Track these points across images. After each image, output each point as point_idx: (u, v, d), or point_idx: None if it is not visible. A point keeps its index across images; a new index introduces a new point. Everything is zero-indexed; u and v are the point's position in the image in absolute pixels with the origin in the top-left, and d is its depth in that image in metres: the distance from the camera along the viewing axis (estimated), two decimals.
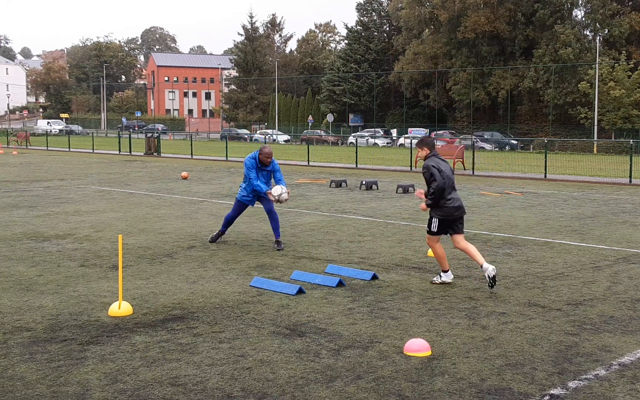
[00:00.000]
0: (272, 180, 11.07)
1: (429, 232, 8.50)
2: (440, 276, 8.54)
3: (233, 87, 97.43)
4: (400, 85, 76.53)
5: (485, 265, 8.08)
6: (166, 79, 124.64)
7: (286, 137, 72.70)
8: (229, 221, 11.16)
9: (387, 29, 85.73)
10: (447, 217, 8.36)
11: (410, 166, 30.93)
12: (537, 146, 52.29)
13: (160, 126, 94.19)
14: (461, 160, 30.59)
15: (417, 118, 75.95)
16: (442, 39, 70.21)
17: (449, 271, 8.52)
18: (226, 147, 39.78)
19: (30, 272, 8.97)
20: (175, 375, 5.36)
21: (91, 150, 45.93)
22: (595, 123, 56.14)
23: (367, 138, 66.74)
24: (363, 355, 5.85)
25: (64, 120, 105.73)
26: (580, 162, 34.27)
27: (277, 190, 10.69)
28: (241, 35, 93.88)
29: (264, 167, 10.74)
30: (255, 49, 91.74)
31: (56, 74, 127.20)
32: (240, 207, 11.02)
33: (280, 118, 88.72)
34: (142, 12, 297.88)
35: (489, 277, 8.01)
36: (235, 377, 5.32)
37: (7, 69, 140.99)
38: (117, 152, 44.41)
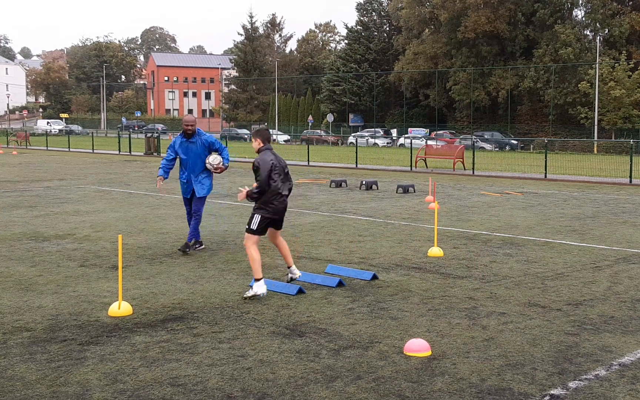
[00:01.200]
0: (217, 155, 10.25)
1: (249, 230, 7.77)
2: (252, 287, 7.67)
3: (233, 87, 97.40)
4: (400, 85, 76.46)
5: (294, 268, 8.23)
6: (166, 79, 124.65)
7: (286, 137, 72.69)
8: (189, 219, 10.59)
9: (387, 29, 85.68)
10: (273, 217, 7.86)
11: (410, 166, 30.92)
12: (537, 146, 52.29)
13: (160, 126, 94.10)
14: (461, 160, 30.58)
15: (417, 118, 75.91)
16: (442, 39, 70.17)
17: (262, 280, 7.66)
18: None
19: (30, 272, 8.96)
20: (175, 376, 5.36)
21: (91, 150, 45.91)
22: (596, 123, 56.13)
23: (367, 138, 66.73)
24: (363, 355, 5.85)
25: (63, 120, 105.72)
26: (580, 162, 34.25)
27: (210, 157, 10.15)
28: (241, 35, 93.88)
29: (189, 140, 10.12)
30: (255, 49, 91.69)
31: (56, 74, 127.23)
32: (184, 201, 10.61)
33: (280, 118, 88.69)
34: (142, 12, 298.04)
35: (292, 277, 8.22)
36: (235, 377, 5.32)
37: (6, 68, 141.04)
38: (117, 152, 44.40)
